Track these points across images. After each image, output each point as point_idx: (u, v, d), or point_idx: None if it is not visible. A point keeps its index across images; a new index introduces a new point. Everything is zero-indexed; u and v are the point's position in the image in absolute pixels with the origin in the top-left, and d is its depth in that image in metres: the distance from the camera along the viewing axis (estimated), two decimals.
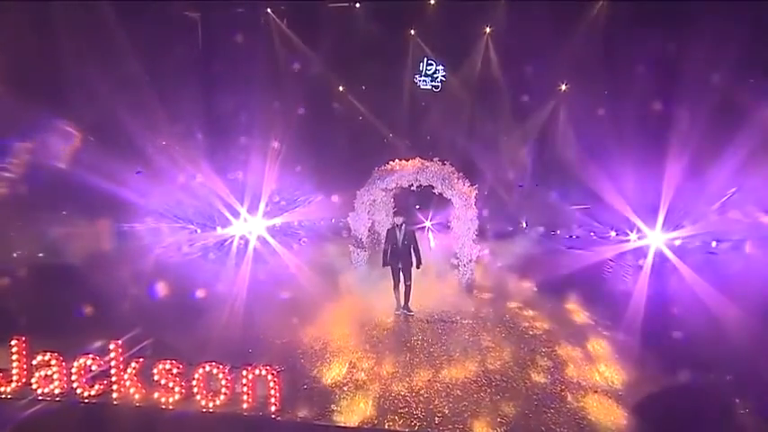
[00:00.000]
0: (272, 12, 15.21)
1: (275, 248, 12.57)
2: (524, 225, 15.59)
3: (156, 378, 4.96)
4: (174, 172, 12.91)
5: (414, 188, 9.72)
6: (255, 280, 9.24)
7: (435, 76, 16.55)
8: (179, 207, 13.35)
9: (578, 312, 8.10)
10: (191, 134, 13.81)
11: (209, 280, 9.00)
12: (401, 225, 7.85)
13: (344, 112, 16.07)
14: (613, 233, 14.33)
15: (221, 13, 14.86)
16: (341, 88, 15.94)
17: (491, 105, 15.43)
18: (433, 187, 9.56)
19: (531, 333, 7.14)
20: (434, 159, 9.59)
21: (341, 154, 14.79)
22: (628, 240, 13.72)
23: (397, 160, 9.76)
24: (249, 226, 13.68)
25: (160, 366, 4.95)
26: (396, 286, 7.98)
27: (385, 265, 7.95)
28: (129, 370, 5.03)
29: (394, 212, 8.27)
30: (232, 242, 13.38)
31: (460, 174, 9.59)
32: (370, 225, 9.93)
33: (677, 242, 12.59)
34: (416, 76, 16.41)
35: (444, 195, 9.49)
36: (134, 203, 11.90)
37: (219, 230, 13.90)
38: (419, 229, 12.09)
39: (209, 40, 15.24)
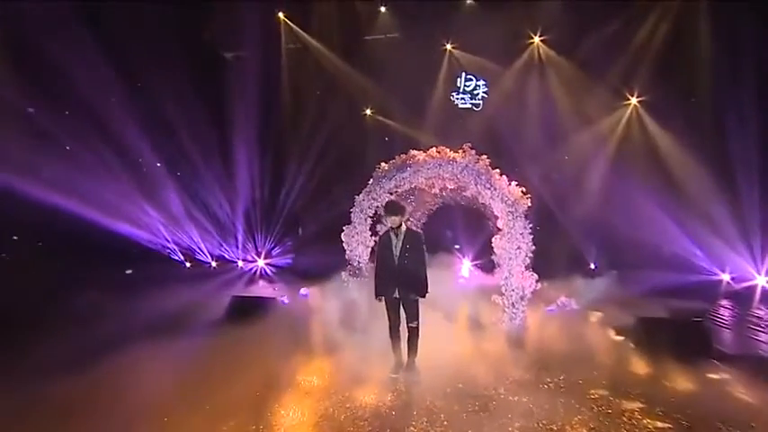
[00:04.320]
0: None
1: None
2: (593, 266, 11.93)
3: None
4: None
5: (436, 191, 6.74)
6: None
7: (476, 92, 14.07)
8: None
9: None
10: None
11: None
12: (398, 228, 4.71)
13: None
14: (727, 276, 10.47)
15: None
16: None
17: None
18: (464, 190, 6.55)
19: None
20: (465, 146, 6.61)
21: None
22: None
23: (411, 151, 6.85)
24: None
25: None
26: (393, 331, 4.77)
27: (378, 294, 4.80)
28: None
29: (385, 208, 5.04)
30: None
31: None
32: (372, 245, 6.90)
33: None
34: (453, 94, 14.02)
35: (481, 199, 6.41)
36: None
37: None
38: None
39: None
